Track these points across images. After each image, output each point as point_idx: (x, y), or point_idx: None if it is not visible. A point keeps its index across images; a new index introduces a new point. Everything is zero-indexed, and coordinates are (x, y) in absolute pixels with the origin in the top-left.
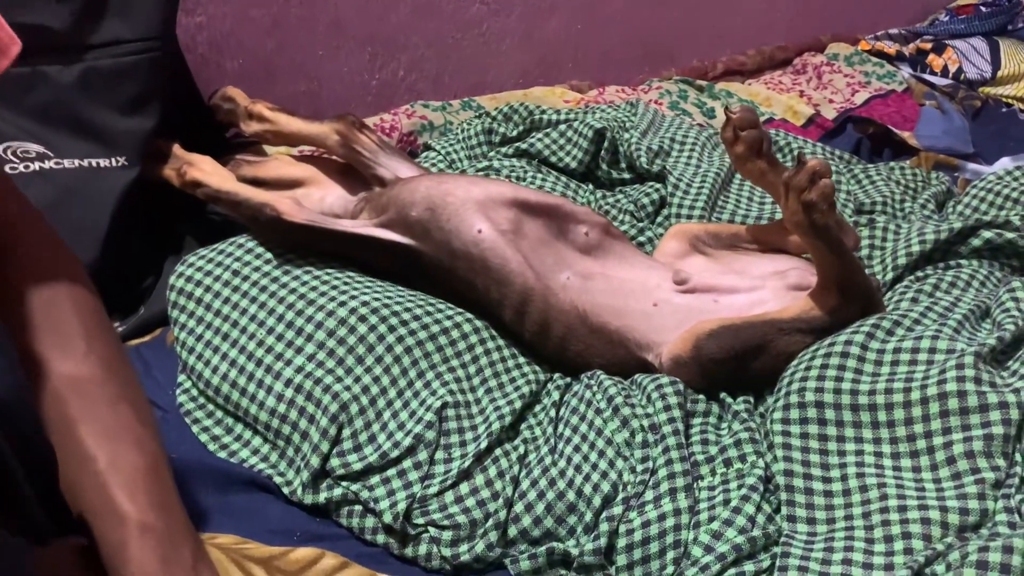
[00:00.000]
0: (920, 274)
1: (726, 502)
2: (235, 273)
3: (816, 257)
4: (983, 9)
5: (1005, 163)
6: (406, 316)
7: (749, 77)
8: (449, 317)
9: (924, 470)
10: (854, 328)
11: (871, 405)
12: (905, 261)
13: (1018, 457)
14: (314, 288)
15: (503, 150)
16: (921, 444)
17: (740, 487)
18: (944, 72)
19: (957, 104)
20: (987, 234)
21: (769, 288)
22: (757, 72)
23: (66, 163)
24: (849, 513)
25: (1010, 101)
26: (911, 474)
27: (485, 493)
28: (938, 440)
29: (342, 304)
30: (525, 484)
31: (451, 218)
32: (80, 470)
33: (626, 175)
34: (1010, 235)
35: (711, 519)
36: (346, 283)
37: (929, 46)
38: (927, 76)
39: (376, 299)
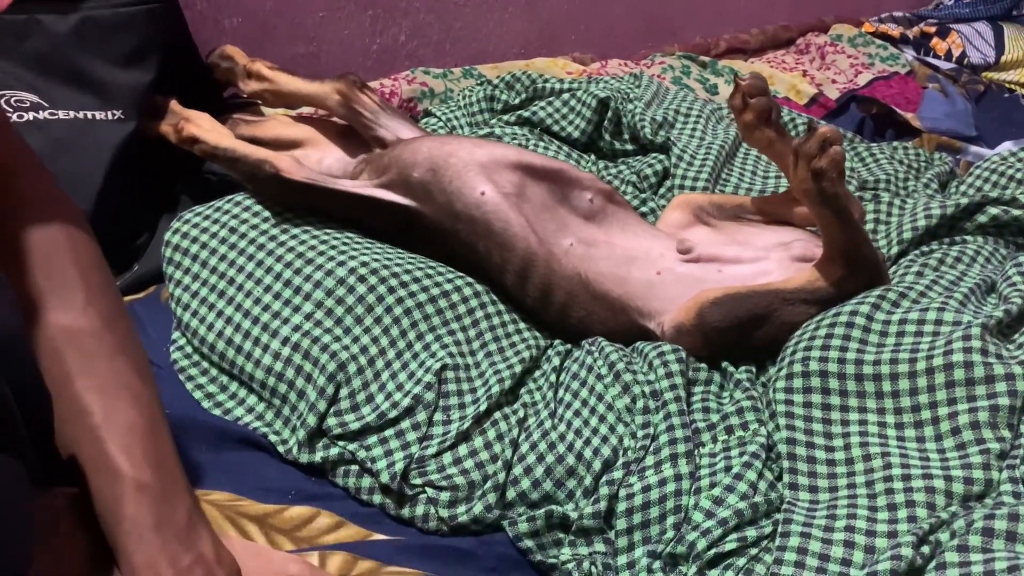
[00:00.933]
0: (925, 249)
1: (727, 468)
2: (232, 231)
3: (823, 227)
4: None
5: (1007, 147)
6: (406, 278)
7: (752, 56)
8: (449, 280)
9: (928, 440)
10: (859, 299)
11: (875, 375)
12: (911, 235)
13: (1023, 428)
14: (312, 247)
15: (505, 117)
16: (926, 414)
17: (742, 454)
18: (948, 56)
19: (960, 87)
20: (993, 211)
21: (773, 259)
22: (760, 51)
23: (60, 114)
24: (852, 482)
25: (1013, 87)
26: (915, 444)
27: (484, 455)
28: (943, 411)
29: (341, 264)
30: (524, 447)
31: (454, 179)
32: (76, 423)
33: (628, 146)
34: (1016, 212)
35: (712, 485)
36: (345, 243)
37: (933, 30)
38: (930, 59)
39: (375, 260)
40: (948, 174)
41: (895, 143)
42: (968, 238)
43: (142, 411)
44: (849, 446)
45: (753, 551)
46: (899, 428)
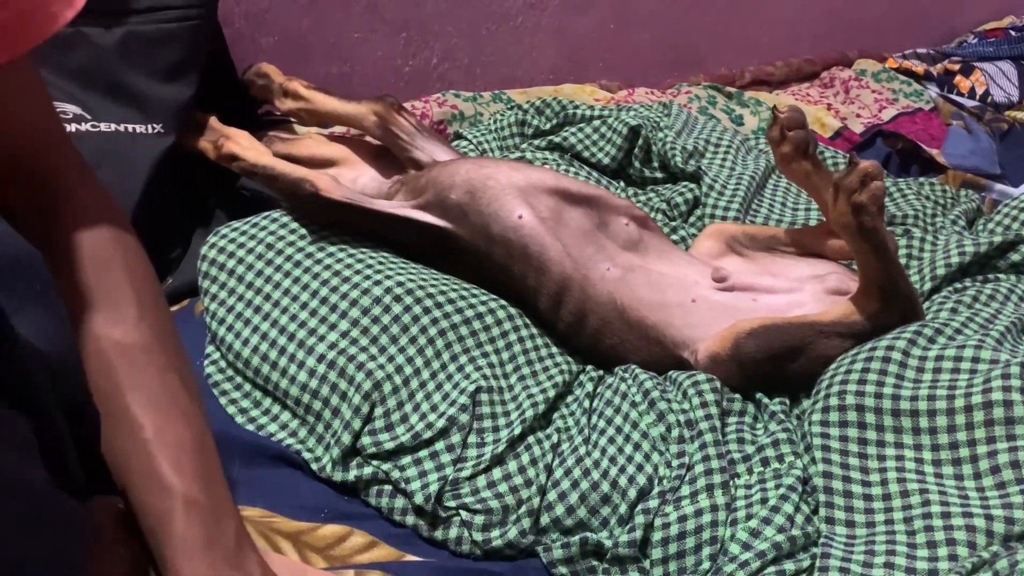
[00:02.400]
0: (959, 286)
1: (763, 501)
2: (269, 247)
3: (860, 261)
4: (1012, 33)
5: None
6: (440, 299)
7: (776, 88)
8: (483, 302)
9: (967, 478)
10: (895, 334)
11: (913, 411)
12: (944, 272)
13: None
14: (349, 266)
15: (536, 143)
16: (964, 452)
17: (778, 487)
18: (971, 94)
19: (984, 125)
20: None
21: (808, 291)
22: (784, 83)
23: (102, 126)
24: (890, 517)
25: None
26: (953, 482)
27: (518, 479)
28: (982, 449)
29: (377, 283)
30: (559, 473)
31: (491, 202)
32: (126, 438)
33: (658, 174)
34: None
35: (749, 517)
36: (381, 263)
37: (957, 67)
38: (954, 96)
39: (411, 280)
40: (975, 211)
41: (921, 179)
42: (1001, 276)
43: (192, 427)
44: (886, 481)
45: None
46: (936, 465)
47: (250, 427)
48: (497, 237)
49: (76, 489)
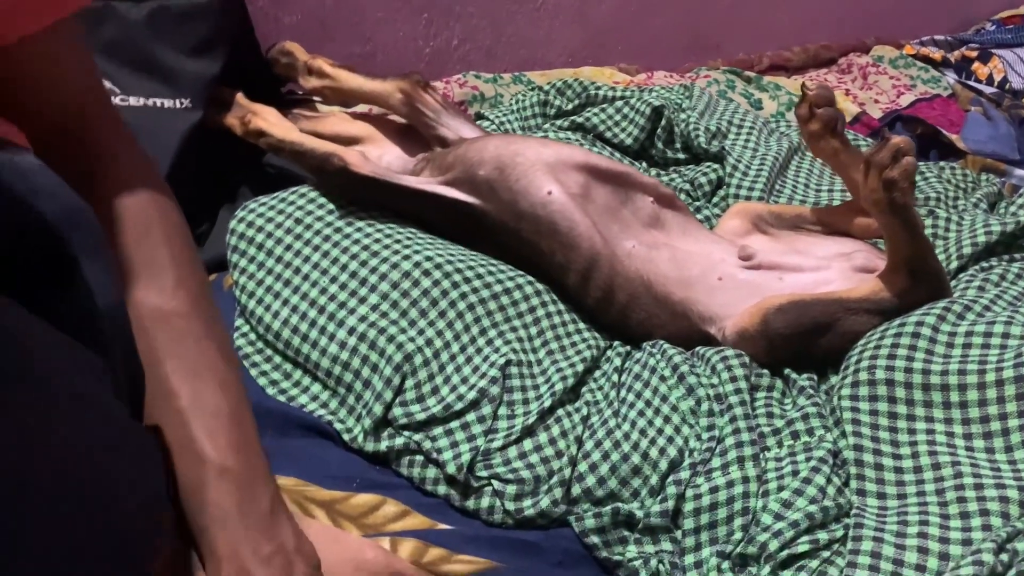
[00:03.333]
0: (985, 264)
1: (795, 473)
2: (297, 221)
3: (890, 237)
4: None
5: None
6: (469, 274)
7: (794, 73)
8: (511, 279)
9: (999, 451)
10: (924, 310)
11: (943, 385)
12: (971, 251)
13: None
14: (377, 240)
15: (558, 123)
16: (995, 426)
17: (809, 459)
18: (989, 80)
19: (1003, 111)
20: None
21: (835, 269)
22: (802, 69)
23: (131, 100)
24: (921, 489)
25: None
26: (984, 454)
27: (549, 451)
28: (1013, 422)
29: (406, 257)
30: (589, 444)
31: (520, 178)
32: (163, 405)
33: (680, 155)
34: None
35: (780, 488)
36: (409, 238)
37: (975, 54)
38: (973, 83)
39: (439, 255)
40: (996, 195)
41: (942, 163)
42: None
43: (228, 396)
44: (917, 454)
45: (825, 554)
46: (967, 439)
47: (281, 398)
48: (526, 213)
49: None
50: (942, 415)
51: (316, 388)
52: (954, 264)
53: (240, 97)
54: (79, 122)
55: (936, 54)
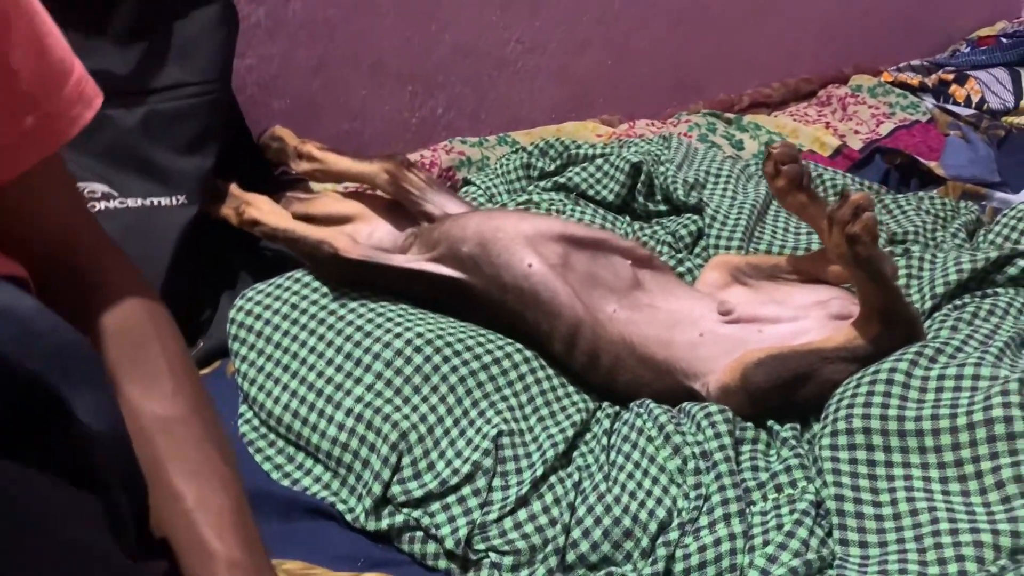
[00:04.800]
0: (958, 302)
1: (779, 526)
2: (293, 306)
3: (859, 287)
4: (1004, 40)
5: None
6: (459, 347)
7: (775, 109)
8: (500, 347)
9: (973, 494)
10: (897, 356)
11: (918, 431)
12: (943, 290)
13: None
14: (370, 320)
15: (541, 184)
16: (969, 469)
17: (792, 512)
18: (967, 102)
19: (982, 133)
20: (1021, 263)
21: (812, 318)
22: (782, 104)
23: (129, 202)
24: (901, 536)
25: None
26: (960, 498)
27: (543, 519)
28: (986, 465)
29: (398, 336)
30: (581, 510)
31: (502, 253)
32: (169, 507)
33: (662, 207)
34: None
35: (765, 543)
36: (400, 315)
37: (951, 77)
38: (950, 106)
39: (430, 330)
40: (975, 223)
41: (921, 193)
42: (1000, 290)
43: (230, 494)
44: (896, 501)
45: None
46: (943, 483)
47: (285, 482)
48: (509, 286)
49: (131, 556)
50: (918, 460)
51: (318, 470)
52: (928, 304)
53: (234, 188)
54: (69, 249)
55: (914, 79)
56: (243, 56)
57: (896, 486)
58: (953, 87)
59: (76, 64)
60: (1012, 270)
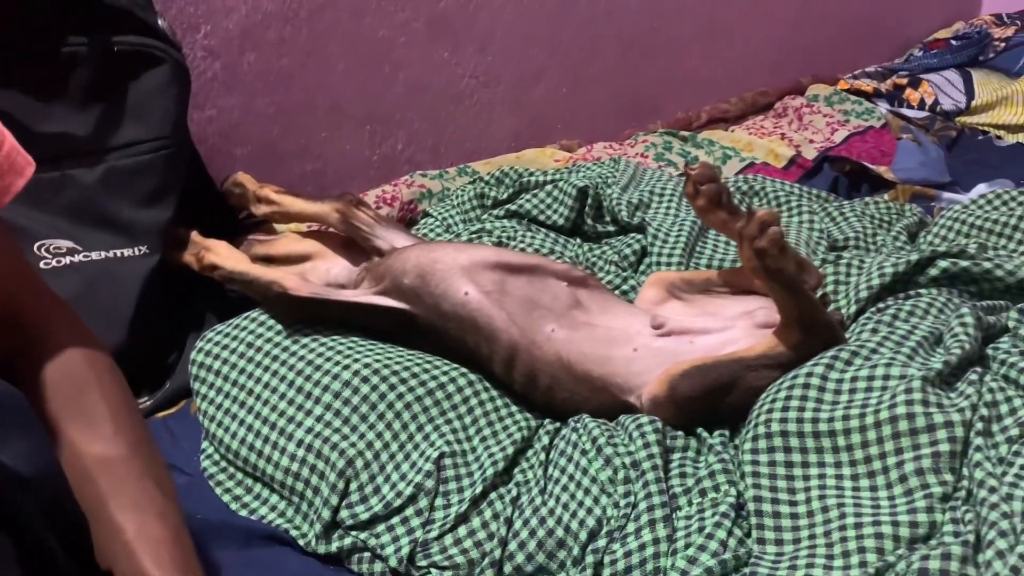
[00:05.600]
0: (881, 305)
1: (701, 529)
2: (250, 345)
3: (775, 298)
4: (954, 43)
5: (980, 189)
6: (405, 375)
7: (732, 123)
8: (444, 373)
9: (880, 488)
10: (815, 360)
11: (831, 431)
12: (866, 294)
13: (964, 471)
14: (321, 354)
15: (495, 212)
16: (876, 465)
17: (714, 515)
18: (921, 105)
19: (933, 136)
20: (943, 264)
21: (739, 327)
22: (740, 118)
23: (93, 255)
24: (812, 532)
25: (985, 128)
26: (868, 493)
27: (481, 534)
28: (891, 460)
29: (346, 368)
30: (518, 524)
31: (439, 283)
32: (111, 540)
33: (610, 228)
34: (965, 263)
35: (687, 546)
36: (350, 347)
37: (905, 81)
38: (904, 110)
39: (377, 360)
40: (918, 224)
41: (867, 199)
42: (923, 291)
43: (168, 526)
44: (810, 499)
45: None
46: (854, 479)
47: (244, 512)
48: (449, 313)
49: None
50: (832, 459)
51: (274, 499)
52: (854, 308)
53: (194, 235)
54: (13, 307)
55: (869, 86)
56: (203, 108)
57: (811, 485)
58: (907, 91)
59: (7, 136)
60: (933, 271)
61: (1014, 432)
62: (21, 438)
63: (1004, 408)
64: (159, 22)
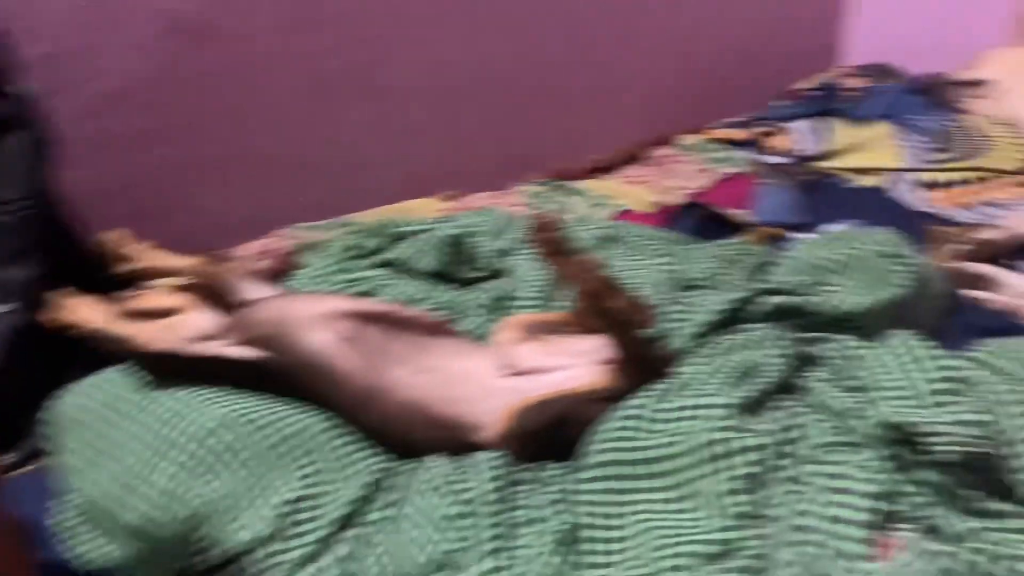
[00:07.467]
0: (716, 339)
1: (538, 557)
2: (115, 396)
3: (607, 336)
4: (811, 93)
5: (824, 229)
6: (262, 422)
7: (609, 173)
8: (300, 420)
9: (688, 511)
10: (645, 393)
11: (655, 458)
12: (698, 330)
13: (763, 492)
14: (187, 404)
15: (368, 261)
16: (687, 489)
17: (552, 542)
18: (781, 151)
19: (791, 179)
20: (775, 300)
21: (583, 365)
22: (616, 168)
23: None
24: (636, 554)
25: (839, 172)
26: (687, 514)
27: (332, 572)
28: (700, 484)
29: (211, 417)
30: (369, 561)
31: (294, 333)
32: None
33: (481, 273)
34: (796, 300)
35: (524, 574)
36: (211, 398)
37: (767, 129)
38: (766, 157)
39: (234, 410)
40: (762, 264)
41: (720, 241)
42: (759, 325)
43: None
44: (636, 523)
45: None
46: (678, 502)
47: (101, 561)
48: (304, 361)
49: None
50: (657, 484)
51: (129, 546)
52: (690, 343)
53: (57, 294)
54: None
55: (735, 134)
56: (76, 168)
57: (638, 510)
58: (769, 139)
59: None
60: (767, 307)
61: (804, 453)
62: None
63: (798, 433)
64: (25, 87)
